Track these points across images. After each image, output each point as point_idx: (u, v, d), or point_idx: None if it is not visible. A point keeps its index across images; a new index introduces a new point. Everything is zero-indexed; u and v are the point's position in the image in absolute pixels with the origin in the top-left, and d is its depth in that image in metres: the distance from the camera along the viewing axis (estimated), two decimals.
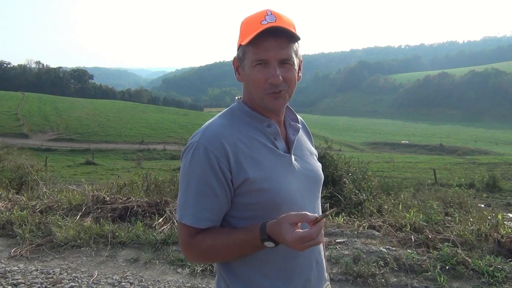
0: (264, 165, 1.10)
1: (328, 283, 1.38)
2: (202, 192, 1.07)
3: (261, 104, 1.13)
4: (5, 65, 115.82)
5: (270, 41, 1.05)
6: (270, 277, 1.12)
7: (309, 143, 1.32)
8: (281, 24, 1.06)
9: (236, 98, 1.22)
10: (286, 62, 1.08)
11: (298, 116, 1.29)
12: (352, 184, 5.62)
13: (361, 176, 5.92)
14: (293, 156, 1.17)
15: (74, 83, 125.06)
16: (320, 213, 1.21)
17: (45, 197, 5.41)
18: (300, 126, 1.25)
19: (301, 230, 0.96)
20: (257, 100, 1.12)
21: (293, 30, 1.09)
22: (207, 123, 1.15)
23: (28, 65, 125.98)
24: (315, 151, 1.33)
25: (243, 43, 1.08)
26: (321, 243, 1.25)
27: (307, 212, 0.98)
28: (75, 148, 39.00)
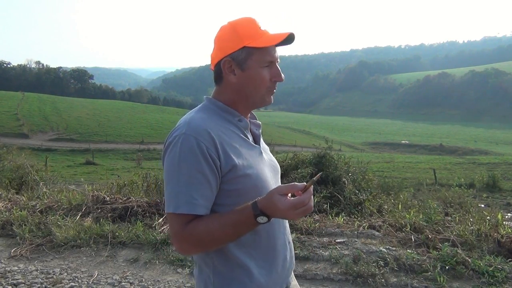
0: (244, 154, 1.17)
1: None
2: (196, 180, 1.08)
3: (259, 102, 1.23)
4: (5, 65, 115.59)
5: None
6: (255, 258, 1.18)
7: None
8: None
9: (205, 97, 1.27)
10: (277, 63, 1.23)
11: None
12: (352, 184, 5.61)
13: (361, 176, 5.90)
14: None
15: (74, 83, 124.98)
16: None
17: (45, 197, 5.41)
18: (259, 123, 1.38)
19: (292, 198, 1.02)
20: (257, 97, 1.22)
21: None
22: (186, 118, 1.18)
23: (28, 65, 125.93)
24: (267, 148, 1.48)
25: (258, 45, 1.16)
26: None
27: (295, 183, 1.05)
28: (75, 148, 38.94)
